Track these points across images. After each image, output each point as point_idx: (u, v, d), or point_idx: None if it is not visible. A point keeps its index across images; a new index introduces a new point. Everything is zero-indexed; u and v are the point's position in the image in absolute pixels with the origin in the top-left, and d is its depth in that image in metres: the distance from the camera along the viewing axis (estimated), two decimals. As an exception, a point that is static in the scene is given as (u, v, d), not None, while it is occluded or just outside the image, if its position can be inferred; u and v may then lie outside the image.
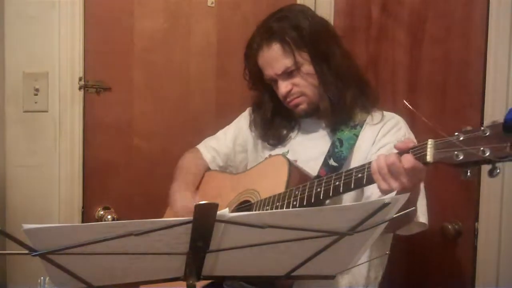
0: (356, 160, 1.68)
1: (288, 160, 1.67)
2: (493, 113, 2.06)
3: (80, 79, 2.20)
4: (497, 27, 2.07)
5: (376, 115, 1.75)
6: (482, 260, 2.09)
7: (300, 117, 1.81)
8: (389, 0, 2.26)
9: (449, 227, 2.14)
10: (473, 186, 2.11)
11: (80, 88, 2.20)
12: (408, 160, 1.28)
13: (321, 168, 1.70)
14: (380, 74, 2.28)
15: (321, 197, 1.48)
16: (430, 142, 1.27)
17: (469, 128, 1.23)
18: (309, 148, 1.79)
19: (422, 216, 1.60)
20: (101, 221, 2.24)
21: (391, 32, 2.26)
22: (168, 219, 1.00)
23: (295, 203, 1.54)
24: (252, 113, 1.91)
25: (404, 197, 1.12)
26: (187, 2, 2.30)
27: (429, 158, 1.26)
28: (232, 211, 1.71)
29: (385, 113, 1.76)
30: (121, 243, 1.01)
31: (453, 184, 2.14)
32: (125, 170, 2.27)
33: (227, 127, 2.00)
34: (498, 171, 1.18)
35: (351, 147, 1.70)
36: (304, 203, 1.51)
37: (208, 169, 1.96)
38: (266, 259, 1.15)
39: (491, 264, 2.06)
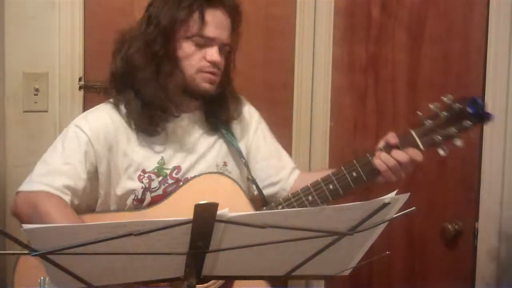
0: (243, 150, 1.71)
1: (232, 178, 1.59)
2: (493, 113, 2.05)
3: (80, 79, 2.20)
4: (497, 27, 2.07)
5: (234, 99, 1.75)
6: (482, 260, 2.09)
7: (204, 94, 1.60)
8: (389, 0, 2.26)
9: (449, 227, 2.14)
10: (473, 186, 2.11)
11: (80, 88, 2.20)
12: (417, 154, 1.51)
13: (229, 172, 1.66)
14: (380, 74, 2.28)
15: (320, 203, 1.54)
16: (413, 132, 1.54)
17: (419, 113, 1.56)
18: (191, 147, 1.64)
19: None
20: (101, 221, 2.24)
21: (391, 32, 2.26)
22: (168, 219, 1.00)
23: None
24: (125, 95, 1.61)
25: (404, 197, 1.12)
26: (187, 2, 2.30)
27: (421, 146, 1.53)
28: None
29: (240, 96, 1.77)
30: (121, 243, 1.01)
31: (453, 184, 2.14)
32: (125, 170, 2.27)
33: (61, 156, 1.58)
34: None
35: (234, 137, 1.71)
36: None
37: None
38: (266, 259, 1.15)
39: (491, 264, 2.06)
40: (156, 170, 1.61)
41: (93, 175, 1.58)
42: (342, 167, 1.56)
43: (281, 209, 1.53)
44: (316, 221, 1.07)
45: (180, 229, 1.01)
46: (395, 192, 1.27)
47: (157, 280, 1.18)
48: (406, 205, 1.16)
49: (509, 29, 2.05)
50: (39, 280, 1.40)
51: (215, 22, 1.59)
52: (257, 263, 1.17)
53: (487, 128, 2.03)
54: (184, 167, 1.63)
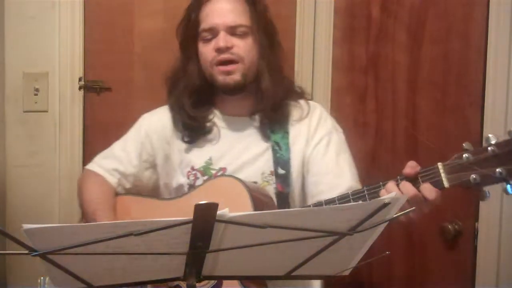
0: (295, 161, 1.61)
1: (243, 182, 1.49)
2: (493, 113, 2.06)
3: (80, 79, 2.20)
4: (497, 27, 2.07)
5: (302, 105, 1.67)
6: (482, 260, 2.09)
7: (227, 89, 1.60)
8: (389, 0, 2.26)
9: (449, 227, 2.14)
10: (473, 186, 2.11)
11: (80, 88, 2.21)
12: (430, 191, 1.27)
13: (276, 182, 1.59)
14: (380, 74, 2.28)
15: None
16: (440, 166, 1.28)
17: (466, 145, 1.26)
18: (240, 152, 1.63)
19: None
20: (101, 221, 2.24)
21: (391, 32, 2.25)
22: (168, 219, 1.00)
23: None
24: (174, 89, 1.69)
25: (404, 197, 1.12)
26: (187, 2, 2.30)
27: (446, 183, 1.27)
28: None
29: (309, 103, 1.69)
30: (121, 243, 1.01)
31: (453, 184, 2.14)
32: (125, 170, 2.27)
33: (123, 143, 1.75)
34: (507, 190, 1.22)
35: (287, 147, 1.61)
36: None
37: (117, 194, 1.69)
38: (266, 259, 1.15)
39: (491, 264, 2.06)
40: (202, 169, 1.64)
41: (150, 165, 1.71)
42: (349, 192, 1.41)
43: None
44: (316, 221, 1.07)
45: (180, 229, 1.01)
46: (395, 192, 1.27)
47: (157, 280, 1.18)
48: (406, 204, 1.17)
49: (509, 29, 2.05)
50: (39, 280, 1.40)
51: (214, 11, 1.58)
52: (257, 263, 1.17)
53: (487, 128, 2.03)
54: (229, 169, 1.62)
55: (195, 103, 1.64)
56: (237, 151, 1.64)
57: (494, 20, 2.08)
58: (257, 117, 1.64)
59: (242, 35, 1.58)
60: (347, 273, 1.27)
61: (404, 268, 2.25)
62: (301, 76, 2.30)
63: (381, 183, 1.36)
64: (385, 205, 1.07)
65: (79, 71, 2.20)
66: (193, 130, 1.66)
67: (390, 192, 1.28)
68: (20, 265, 2.15)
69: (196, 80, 1.63)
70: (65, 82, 2.19)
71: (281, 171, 1.59)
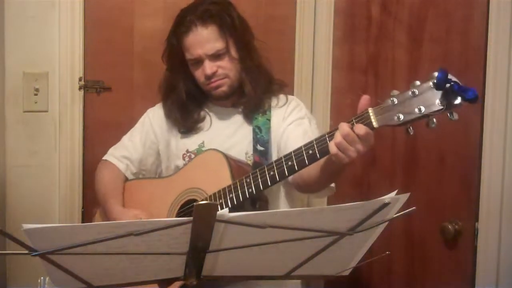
0: (274, 140, 1.85)
1: (223, 153, 1.75)
2: (493, 113, 2.05)
3: (80, 79, 2.20)
4: (497, 27, 2.07)
5: (281, 98, 1.91)
6: (482, 260, 2.08)
7: (219, 99, 1.87)
8: (389, 0, 2.26)
9: (449, 227, 2.13)
10: (473, 186, 2.11)
11: (80, 88, 2.21)
12: (360, 127, 1.41)
13: (253, 153, 1.83)
14: (380, 74, 2.28)
15: (278, 179, 1.59)
16: (370, 110, 1.43)
17: (397, 92, 1.41)
18: (227, 136, 1.88)
19: None
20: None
21: (391, 32, 2.25)
22: (168, 219, 1.00)
23: (250, 190, 1.61)
24: (166, 101, 1.95)
25: (404, 197, 1.12)
26: (187, 2, 2.30)
27: (375, 124, 1.42)
28: (179, 213, 1.78)
29: (288, 96, 1.92)
30: (121, 243, 1.01)
31: (453, 184, 2.14)
32: (125, 170, 2.27)
33: (131, 132, 2.00)
34: (434, 122, 1.38)
35: (268, 130, 1.85)
36: (261, 188, 1.61)
37: (126, 179, 1.96)
38: (266, 259, 1.15)
39: (491, 264, 2.06)
40: (196, 151, 1.89)
41: (154, 151, 1.97)
42: (302, 145, 1.56)
43: (245, 180, 1.63)
44: (316, 221, 1.07)
45: (180, 229, 1.01)
46: (395, 192, 1.27)
47: (157, 280, 1.18)
48: (406, 205, 1.16)
49: (509, 29, 2.04)
50: (39, 280, 1.40)
51: (196, 41, 1.80)
52: (257, 263, 1.17)
53: (487, 128, 2.02)
54: (225, 153, 1.81)
55: (185, 113, 1.91)
56: (225, 135, 1.88)
57: (494, 20, 2.08)
58: (241, 108, 1.89)
59: (222, 55, 1.81)
60: (347, 273, 1.27)
61: (404, 268, 2.25)
62: (301, 76, 2.30)
63: (326, 133, 1.51)
64: (385, 205, 1.07)
65: (79, 71, 2.20)
66: (187, 127, 1.92)
67: (335, 137, 1.43)
68: (20, 265, 2.15)
69: (183, 96, 1.89)
70: (65, 82, 2.19)
71: (260, 148, 1.83)
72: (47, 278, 1.39)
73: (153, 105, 2.29)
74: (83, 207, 2.25)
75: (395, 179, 2.25)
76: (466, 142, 2.05)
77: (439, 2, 2.19)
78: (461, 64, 2.18)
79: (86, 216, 2.25)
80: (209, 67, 1.80)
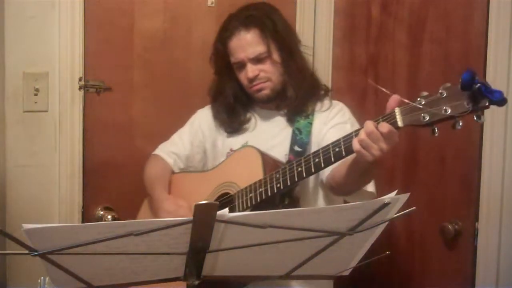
0: (315, 143, 1.87)
1: (258, 149, 1.81)
2: (493, 113, 2.05)
3: (80, 79, 2.20)
4: (497, 27, 2.07)
5: (325, 103, 1.94)
6: (482, 260, 2.08)
7: (262, 101, 1.93)
8: (389, 0, 2.26)
9: (449, 227, 2.13)
10: (473, 186, 2.11)
11: (80, 88, 2.21)
12: (384, 126, 1.43)
13: (289, 153, 1.87)
14: (380, 74, 2.28)
15: (304, 175, 1.63)
16: (397, 109, 1.45)
17: (426, 93, 1.43)
18: (270, 137, 1.93)
19: (370, 186, 1.76)
20: (101, 221, 2.24)
21: (391, 32, 2.25)
22: (168, 219, 1.00)
23: (278, 185, 1.66)
24: (214, 102, 2.02)
25: (404, 197, 1.12)
26: (187, 2, 2.30)
27: (400, 123, 1.43)
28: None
29: (332, 101, 1.96)
30: (121, 243, 1.01)
31: (453, 184, 2.14)
32: (125, 170, 2.27)
33: (181, 131, 2.09)
34: (460, 124, 1.38)
35: (309, 133, 1.89)
36: (289, 184, 1.65)
37: (173, 172, 2.04)
38: (266, 259, 1.15)
39: (491, 264, 2.06)
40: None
41: (201, 150, 2.06)
42: (330, 143, 1.59)
43: (274, 175, 1.68)
44: (316, 221, 1.08)
45: (180, 229, 1.01)
46: (395, 192, 1.27)
47: (157, 280, 1.18)
48: (406, 205, 1.16)
49: (509, 29, 2.04)
50: (39, 280, 1.40)
51: (239, 45, 1.87)
52: (257, 263, 1.17)
53: (487, 128, 2.02)
54: (261, 150, 1.86)
55: (232, 114, 1.98)
56: (267, 136, 1.94)
57: (494, 20, 2.08)
58: (285, 111, 1.94)
59: (264, 59, 1.86)
60: (347, 273, 1.28)
61: (404, 268, 2.25)
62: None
63: (353, 131, 1.52)
64: (385, 205, 1.07)
65: (79, 71, 2.19)
66: (233, 127, 2.00)
67: (358, 135, 1.46)
68: (20, 265, 2.15)
69: (231, 98, 1.97)
70: (65, 82, 2.19)
71: (297, 148, 1.87)
72: (47, 278, 1.39)
73: (153, 105, 2.31)
74: (83, 207, 2.24)
75: (395, 179, 2.25)
76: (466, 142, 2.05)
77: (439, 2, 2.19)
78: (461, 64, 2.18)
79: (86, 216, 2.25)
80: (251, 70, 1.86)
